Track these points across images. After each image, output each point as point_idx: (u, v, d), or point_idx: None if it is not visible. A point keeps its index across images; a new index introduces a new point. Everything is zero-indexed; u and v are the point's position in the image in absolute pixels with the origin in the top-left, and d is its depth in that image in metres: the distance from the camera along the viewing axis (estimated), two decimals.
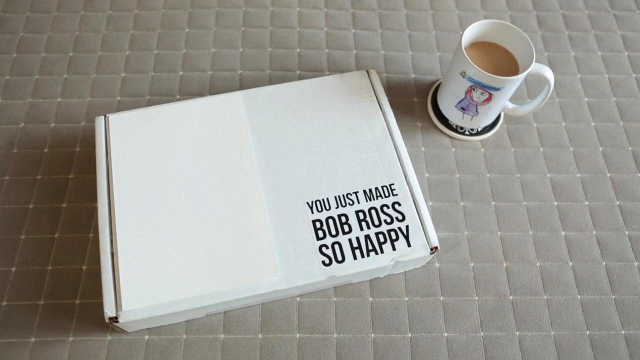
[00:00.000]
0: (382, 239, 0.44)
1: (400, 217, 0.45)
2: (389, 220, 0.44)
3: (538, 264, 0.49)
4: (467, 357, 0.44)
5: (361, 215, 0.45)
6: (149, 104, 0.56)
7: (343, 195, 0.45)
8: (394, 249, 0.43)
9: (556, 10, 0.65)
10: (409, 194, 0.46)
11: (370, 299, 0.47)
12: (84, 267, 0.47)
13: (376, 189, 0.46)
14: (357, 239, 0.44)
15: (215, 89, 0.57)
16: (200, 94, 0.57)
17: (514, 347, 0.45)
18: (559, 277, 0.48)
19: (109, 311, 0.40)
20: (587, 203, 0.52)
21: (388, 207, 0.45)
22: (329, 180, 0.46)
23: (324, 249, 0.43)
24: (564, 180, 0.53)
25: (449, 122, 0.55)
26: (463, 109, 0.52)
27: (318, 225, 0.44)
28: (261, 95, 0.50)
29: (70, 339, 0.44)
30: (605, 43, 0.62)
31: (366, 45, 0.61)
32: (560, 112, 0.57)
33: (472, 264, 0.49)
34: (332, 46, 0.61)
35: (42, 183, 0.51)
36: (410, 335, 0.45)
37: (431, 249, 0.43)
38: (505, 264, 0.49)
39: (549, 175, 0.53)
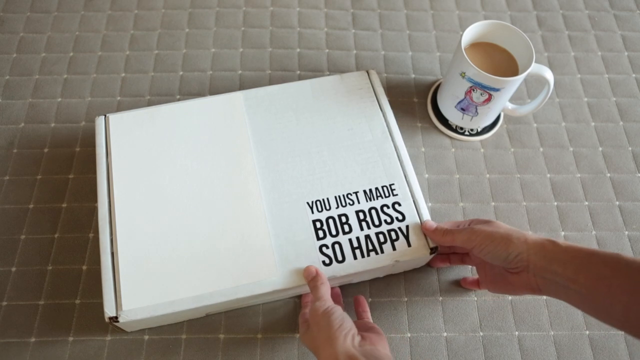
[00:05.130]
0: (382, 239, 0.44)
1: (400, 217, 0.45)
2: (389, 220, 0.44)
3: None
4: (466, 357, 0.44)
5: (361, 215, 0.45)
6: (149, 104, 0.56)
7: (343, 195, 0.45)
8: (394, 248, 0.43)
9: (556, 10, 0.65)
10: (409, 194, 0.46)
11: (370, 299, 0.47)
12: (84, 267, 0.47)
13: (376, 189, 0.46)
14: (357, 239, 0.44)
15: (215, 89, 0.57)
16: (200, 94, 0.57)
17: (513, 347, 0.45)
18: None
19: (109, 311, 0.40)
20: (587, 203, 0.52)
21: (388, 207, 0.45)
22: (329, 180, 0.46)
23: (324, 248, 0.43)
24: (564, 180, 0.53)
25: (449, 122, 0.55)
26: (463, 109, 0.52)
27: (318, 225, 0.44)
28: (261, 95, 0.50)
29: (70, 339, 0.44)
30: (605, 43, 0.62)
31: (366, 45, 0.61)
32: (560, 112, 0.57)
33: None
34: (332, 46, 0.61)
35: (42, 183, 0.51)
36: (409, 335, 0.45)
37: (431, 249, 0.43)
38: None
39: (548, 175, 0.53)
